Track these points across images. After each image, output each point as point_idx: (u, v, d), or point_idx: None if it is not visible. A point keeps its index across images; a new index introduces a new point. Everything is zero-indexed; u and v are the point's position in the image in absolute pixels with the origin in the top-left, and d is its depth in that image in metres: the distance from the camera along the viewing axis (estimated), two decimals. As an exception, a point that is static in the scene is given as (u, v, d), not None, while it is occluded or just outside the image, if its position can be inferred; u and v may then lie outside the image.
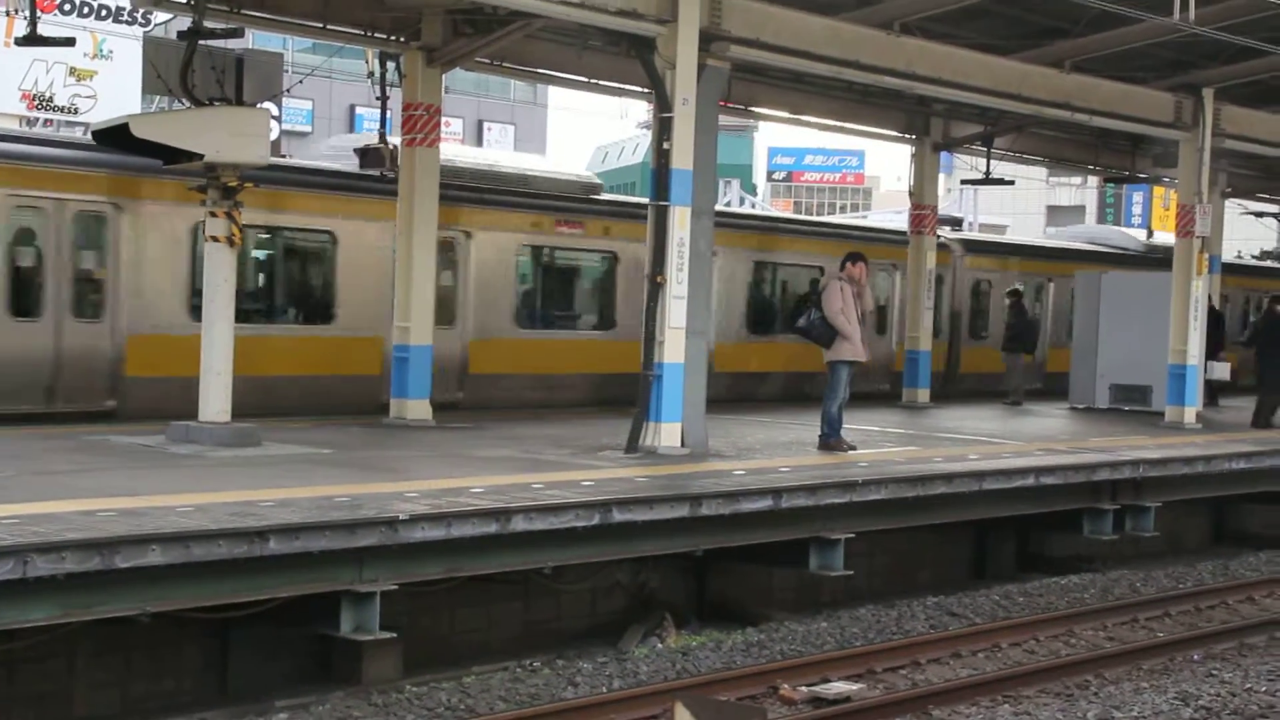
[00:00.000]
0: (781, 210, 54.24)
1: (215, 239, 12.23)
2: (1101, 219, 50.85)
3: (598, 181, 19.82)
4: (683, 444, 13.50)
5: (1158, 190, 45.83)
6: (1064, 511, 14.80)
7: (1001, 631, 11.65)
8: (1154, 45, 17.27)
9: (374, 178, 16.64)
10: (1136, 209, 51.49)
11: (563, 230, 18.33)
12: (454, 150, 18.66)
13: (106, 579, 8.17)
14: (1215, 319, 21.95)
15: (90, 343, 14.47)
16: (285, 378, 15.53)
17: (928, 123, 21.19)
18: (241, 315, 13.47)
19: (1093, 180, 42.35)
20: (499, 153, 23.30)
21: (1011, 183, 24.66)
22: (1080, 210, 56.97)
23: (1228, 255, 28.85)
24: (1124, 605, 13.02)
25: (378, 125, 15.82)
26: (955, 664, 10.77)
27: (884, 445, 15.25)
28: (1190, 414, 19.30)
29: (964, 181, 29.12)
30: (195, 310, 13.69)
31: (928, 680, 10.25)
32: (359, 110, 44.29)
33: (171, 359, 14.53)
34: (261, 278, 16.56)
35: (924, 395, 21.19)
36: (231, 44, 12.99)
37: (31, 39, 13.08)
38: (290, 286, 16.68)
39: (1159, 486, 15.49)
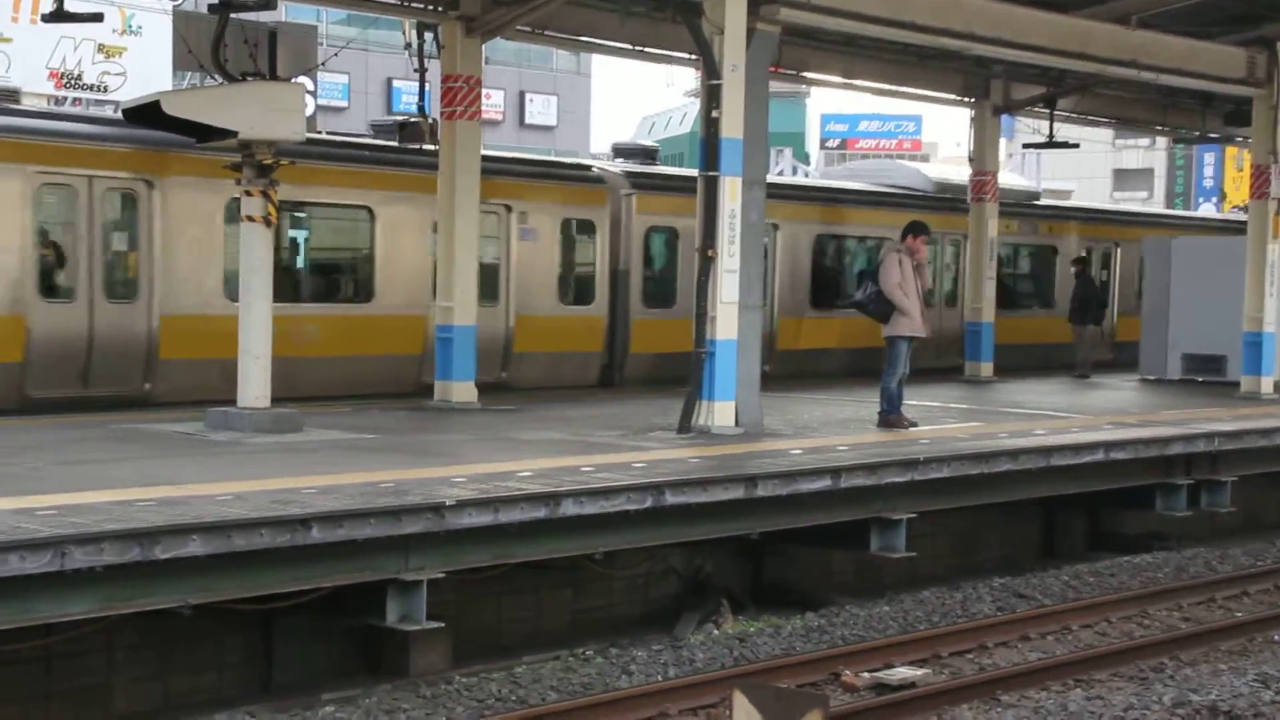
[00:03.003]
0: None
1: (251, 219, 12.05)
2: (1171, 181, 50.02)
3: (1039, 189, 26.65)
4: (737, 423, 13.28)
5: (1230, 150, 44.96)
6: (1136, 487, 14.51)
7: (1072, 613, 11.50)
8: (1224, -2, 16.79)
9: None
10: (1209, 170, 50.52)
11: (1024, 229, 24.35)
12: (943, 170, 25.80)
13: (146, 570, 8.05)
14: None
15: None
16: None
17: (987, 85, 20.83)
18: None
19: (1161, 142, 41.64)
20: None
21: (1076, 146, 24.16)
22: (1149, 173, 55.98)
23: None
24: (1200, 584, 12.84)
25: (416, 98, 15.67)
26: (1024, 647, 10.63)
27: (946, 421, 15.05)
28: (1268, 384, 18.94)
29: (1026, 145, 28.61)
30: None
31: (995, 664, 10.11)
32: (396, 83, 44.06)
33: None
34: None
35: (987, 369, 20.91)
36: (264, 17, 12.83)
37: (58, 15, 12.88)
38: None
39: (1235, 460, 15.15)
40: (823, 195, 21.75)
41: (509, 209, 16.99)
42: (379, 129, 18.27)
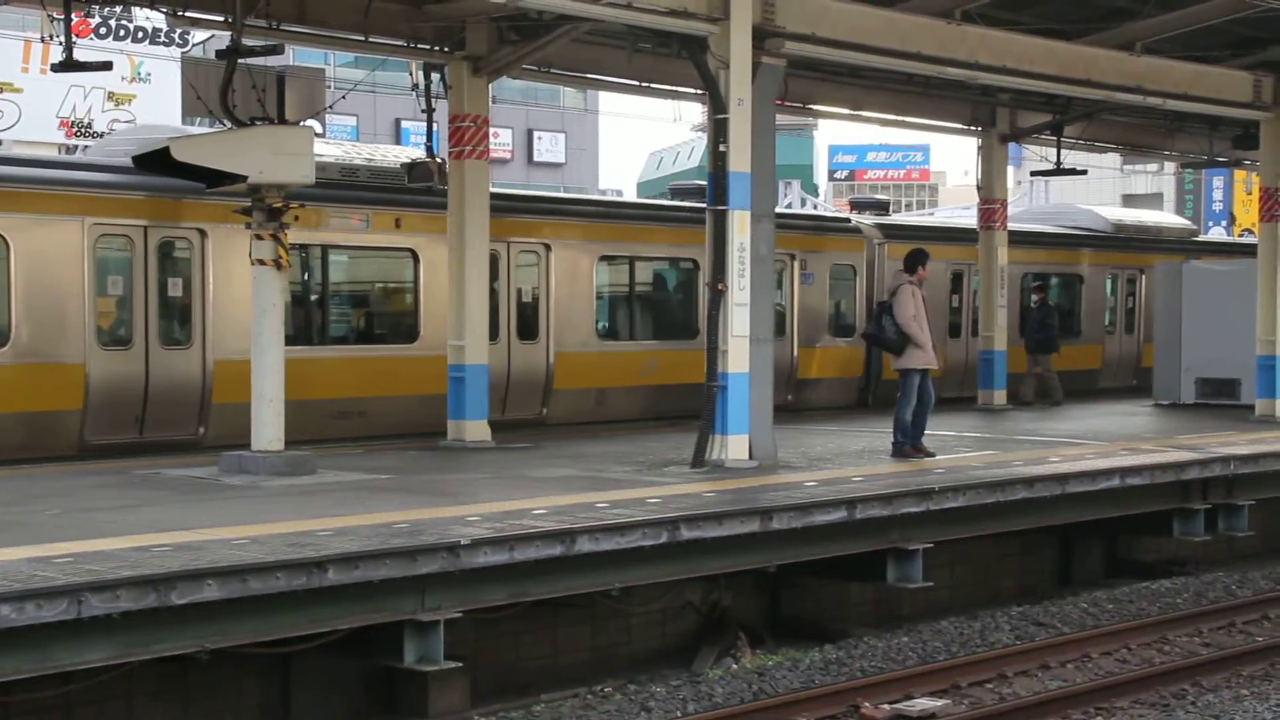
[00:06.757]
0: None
1: (262, 262, 12.04)
2: (1180, 205, 49.80)
3: (1195, 227, 30.38)
4: (751, 456, 13.23)
5: (1238, 174, 44.82)
6: (1152, 513, 14.37)
7: (1091, 640, 11.41)
8: (1229, 22, 16.79)
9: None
10: (1217, 194, 50.32)
11: None
12: (1136, 215, 28.38)
13: (163, 616, 8.03)
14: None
15: None
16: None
17: (994, 113, 20.78)
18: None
19: (1169, 166, 41.54)
20: (1158, 214, 31.77)
21: (1084, 173, 24.15)
22: (1158, 198, 55.76)
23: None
24: (1220, 609, 12.72)
25: (424, 139, 15.77)
26: (1043, 676, 10.55)
27: (960, 450, 14.92)
28: (1283, 406, 18.77)
29: (1034, 173, 28.52)
30: None
31: (1015, 694, 10.04)
32: (405, 124, 44.16)
33: None
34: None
35: (1000, 397, 20.78)
36: (271, 61, 12.84)
37: (68, 65, 12.91)
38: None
39: (1252, 484, 14.97)
40: (1025, 238, 23.70)
41: (793, 257, 20.01)
42: (677, 192, 21.73)
